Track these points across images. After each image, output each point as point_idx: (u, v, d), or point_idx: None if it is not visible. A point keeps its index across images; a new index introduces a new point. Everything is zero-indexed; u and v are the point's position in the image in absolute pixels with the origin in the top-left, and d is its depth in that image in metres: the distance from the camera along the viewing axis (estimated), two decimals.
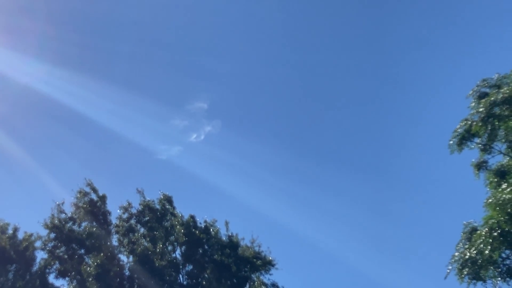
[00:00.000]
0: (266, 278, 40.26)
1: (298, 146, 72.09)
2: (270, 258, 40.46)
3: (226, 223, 40.99)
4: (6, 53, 54.19)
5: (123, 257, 40.27)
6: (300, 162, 71.02)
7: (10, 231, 39.97)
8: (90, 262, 38.86)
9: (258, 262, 40.16)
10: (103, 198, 40.72)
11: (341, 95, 69.90)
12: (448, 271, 26.88)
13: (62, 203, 40.54)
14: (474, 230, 27.14)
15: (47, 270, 39.54)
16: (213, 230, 40.71)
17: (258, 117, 73.47)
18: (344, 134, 70.10)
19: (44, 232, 40.01)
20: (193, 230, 40.34)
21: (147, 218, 40.70)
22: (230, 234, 40.83)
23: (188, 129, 67.20)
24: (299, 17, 69.24)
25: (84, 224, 40.38)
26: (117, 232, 40.67)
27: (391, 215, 63.63)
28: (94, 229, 39.95)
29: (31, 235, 40.09)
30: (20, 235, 40.20)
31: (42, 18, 60.57)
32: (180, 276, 40.16)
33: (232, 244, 40.52)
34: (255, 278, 40.47)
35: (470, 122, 29.00)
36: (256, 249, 40.65)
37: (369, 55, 71.14)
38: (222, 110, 73.71)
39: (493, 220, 25.50)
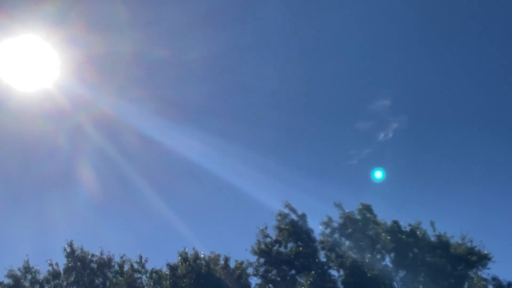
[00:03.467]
0: (484, 273, 38.65)
1: None
2: (485, 252, 38.69)
3: (432, 223, 39.77)
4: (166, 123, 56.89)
5: (333, 272, 40.36)
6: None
7: (222, 262, 41.31)
8: (303, 282, 39.29)
9: (473, 258, 38.51)
10: (303, 217, 41.10)
11: None
12: None
13: (265, 228, 41.40)
14: None
15: None
16: (419, 232, 39.64)
17: (448, 106, 68.25)
18: None
19: (253, 258, 41.10)
20: (399, 235, 39.53)
21: (350, 230, 40.47)
22: (438, 234, 39.55)
23: (374, 130, 64.53)
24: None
25: (289, 244, 40.90)
26: (323, 248, 40.80)
27: None
28: (301, 248, 40.34)
29: (241, 262, 41.21)
30: (231, 264, 41.44)
31: (194, 89, 63.50)
32: (395, 283, 39.42)
33: (442, 244, 39.21)
34: (472, 275, 38.90)
35: None
36: (468, 245, 39.06)
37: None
38: (407, 104, 68.72)
39: None
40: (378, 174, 54.96)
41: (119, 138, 55.96)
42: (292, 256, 40.40)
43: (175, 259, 41.39)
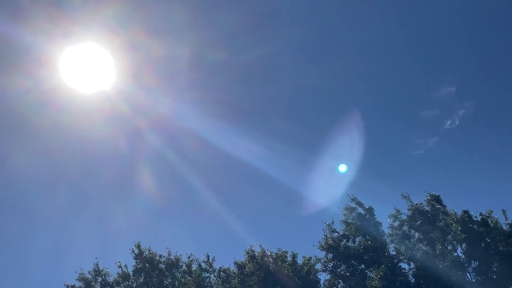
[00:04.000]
0: None
1: None
2: None
3: (504, 212, 39.09)
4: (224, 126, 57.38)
5: (403, 265, 39.91)
6: None
7: (289, 258, 41.19)
8: (373, 276, 38.90)
9: None
10: (370, 210, 40.76)
11: None
12: None
13: (332, 223, 41.21)
14: None
15: None
16: (491, 221, 39.00)
17: None
18: None
19: (320, 254, 40.91)
20: (470, 225, 38.92)
21: (419, 222, 40.02)
22: (511, 222, 38.82)
23: (440, 117, 64.49)
24: None
25: (357, 239, 40.59)
26: (392, 241, 40.43)
27: None
28: (369, 242, 39.97)
29: (309, 258, 41.03)
30: (299, 261, 41.24)
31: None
32: (467, 274, 38.85)
33: None
34: None
35: None
36: None
37: None
38: (472, 90, 68.79)
39: None
40: (342, 168, 54.36)
41: (178, 140, 56.46)
42: (360, 250, 40.07)
43: (235, 259, 41.74)
